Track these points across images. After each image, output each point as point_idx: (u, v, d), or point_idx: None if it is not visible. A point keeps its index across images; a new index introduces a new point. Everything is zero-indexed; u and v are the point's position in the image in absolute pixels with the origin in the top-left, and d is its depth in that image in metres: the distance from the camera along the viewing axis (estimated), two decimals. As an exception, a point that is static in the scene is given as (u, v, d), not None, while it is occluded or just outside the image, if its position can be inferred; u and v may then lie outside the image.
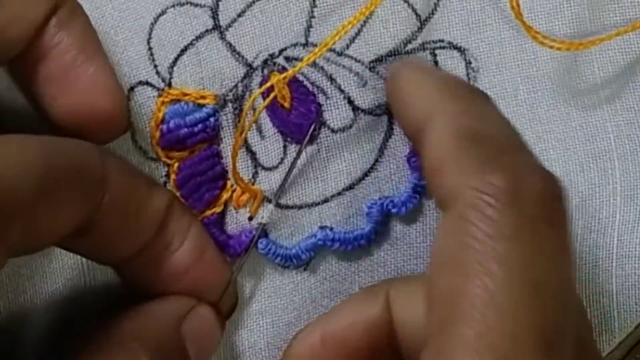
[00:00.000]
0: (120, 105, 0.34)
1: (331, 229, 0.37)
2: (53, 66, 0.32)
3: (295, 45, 0.37)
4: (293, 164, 0.37)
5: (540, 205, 0.28)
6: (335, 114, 0.37)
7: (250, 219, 0.37)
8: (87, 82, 0.33)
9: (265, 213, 0.37)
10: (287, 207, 0.37)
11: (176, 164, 0.36)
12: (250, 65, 0.37)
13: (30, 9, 0.32)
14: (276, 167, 0.37)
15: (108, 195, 0.31)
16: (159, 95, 0.36)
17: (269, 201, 0.37)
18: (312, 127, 0.37)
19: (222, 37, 0.37)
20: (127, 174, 0.33)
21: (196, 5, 0.36)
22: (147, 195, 0.33)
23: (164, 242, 0.34)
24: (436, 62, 0.37)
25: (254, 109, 0.37)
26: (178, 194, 0.36)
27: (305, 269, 0.38)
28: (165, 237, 0.34)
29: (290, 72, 0.36)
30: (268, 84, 0.36)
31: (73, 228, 0.30)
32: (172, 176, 0.36)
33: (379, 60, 0.37)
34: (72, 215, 0.30)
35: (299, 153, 0.37)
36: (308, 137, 0.37)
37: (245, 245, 0.37)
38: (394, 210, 0.37)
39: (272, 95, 0.36)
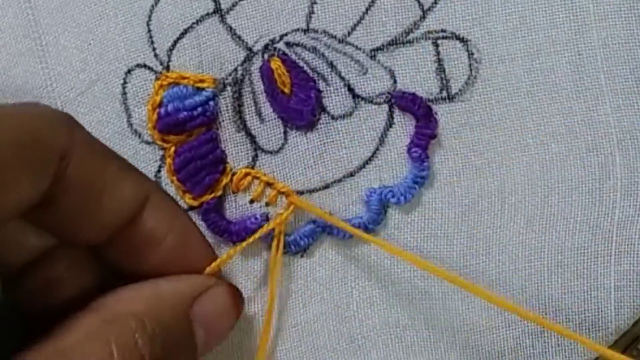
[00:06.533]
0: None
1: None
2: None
3: (296, 30, 0.36)
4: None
5: None
6: (336, 100, 0.37)
7: (252, 202, 0.37)
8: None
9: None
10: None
11: (172, 148, 0.36)
12: (250, 49, 0.36)
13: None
14: (277, 152, 0.37)
15: (70, 169, 0.30)
16: (157, 79, 0.36)
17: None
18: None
19: (223, 21, 0.36)
20: (96, 152, 0.32)
21: (197, -13, 0.36)
22: (118, 178, 0.33)
23: (143, 232, 0.33)
24: (438, 53, 0.37)
25: (254, 93, 0.36)
26: (174, 178, 0.36)
27: (301, 256, 0.37)
28: (143, 227, 0.33)
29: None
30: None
31: (28, 203, 0.29)
32: (168, 160, 0.36)
33: (380, 48, 0.37)
34: (25, 191, 0.29)
35: None
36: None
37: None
38: (393, 200, 0.37)
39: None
